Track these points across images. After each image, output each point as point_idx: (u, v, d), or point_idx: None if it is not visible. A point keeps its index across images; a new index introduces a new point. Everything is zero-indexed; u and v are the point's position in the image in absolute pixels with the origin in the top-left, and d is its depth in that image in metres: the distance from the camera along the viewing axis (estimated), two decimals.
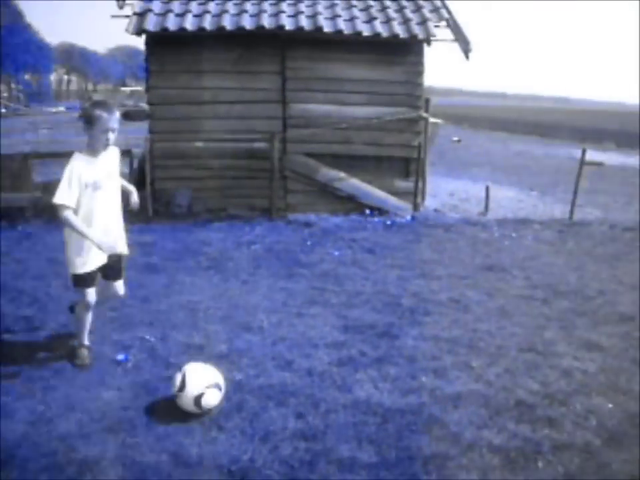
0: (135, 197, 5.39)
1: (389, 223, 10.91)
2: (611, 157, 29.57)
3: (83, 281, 4.99)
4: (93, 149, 4.86)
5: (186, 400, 4.30)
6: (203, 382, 4.34)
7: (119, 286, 5.33)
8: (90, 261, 4.95)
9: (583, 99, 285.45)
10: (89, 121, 4.76)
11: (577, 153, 13.19)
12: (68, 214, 4.72)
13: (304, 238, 9.73)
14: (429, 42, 11.29)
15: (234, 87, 11.11)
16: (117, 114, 4.85)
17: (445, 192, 15.17)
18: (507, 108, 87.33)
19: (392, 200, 11.56)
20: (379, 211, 11.40)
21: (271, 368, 5.14)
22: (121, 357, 5.24)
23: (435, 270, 8.24)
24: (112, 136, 4.85)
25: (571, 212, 12.71)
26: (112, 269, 5.17)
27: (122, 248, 5.19)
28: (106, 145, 4.85)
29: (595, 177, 17.72)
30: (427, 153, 12.27)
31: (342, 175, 11.36)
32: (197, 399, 4.26)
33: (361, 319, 6.36)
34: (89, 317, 5.21)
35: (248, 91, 11.14)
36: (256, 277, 7.67)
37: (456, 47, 11.46)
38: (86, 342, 5.24)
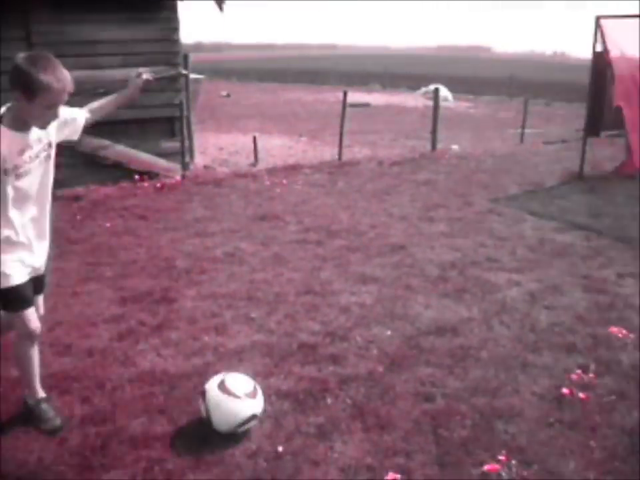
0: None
1: (159, 185, 10.60)
2: (377, 98, 30.79)
3: (14, 299, 3.61)
4: (22, 122, 3.38)
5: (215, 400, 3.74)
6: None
7: (40, 302, 4.00)
8: (21, 268, 3.60)
9: (349, 44, 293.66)
10: (28, 90, 3.22)
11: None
12: None
13: (73, 213, 9.25)
14: None
15: None
16: (69, 77, 3.33)
17: (214, 147, 15.09)
18: (276, 58, 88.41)
19: (160, 162, 11.24)
20: (148, 175, 11.02)
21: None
22: None
23: (208, 227, 8.14)
24: (60, 112, 3.45)
25: (340, 153, 13.05)
26: (37, 279, 3.82)
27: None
28: (48, 123, 3.47)
29: (363, 117, 18.35)
30: (192, 109, 12.08)
31: (106, 142, 10.84)
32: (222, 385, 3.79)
33: (137, 288, 6.16)
34: (36, 355, 3.87)
35: None
36: None
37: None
38: (42, 393, 3.99)
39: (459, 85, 41.43)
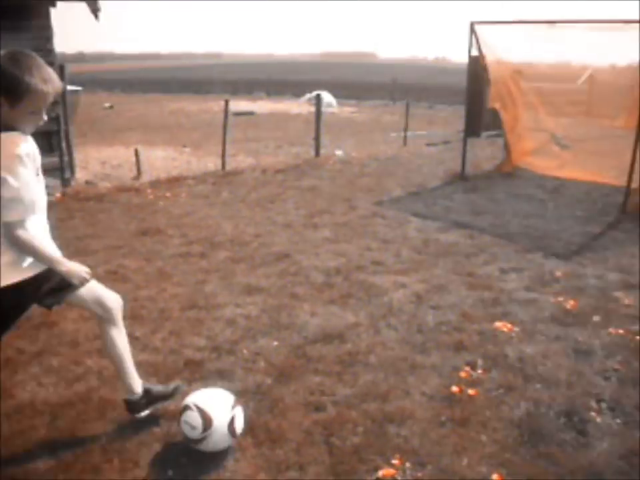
0: None
1: None
2: (261, 106, 30.83)
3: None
4: (15, 127, 3.04)
5: (219, 435, 3.57)
6: (225, 405, 3.67)
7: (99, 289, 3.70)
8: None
9: (234, 52, 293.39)
10: (11, 94, 2.91)
11: (230, 106, 13.40)
12: (27, 234, 3.16)
13: None
14: (54, 3, 10.66)
15: None
16: (55, 77, 3.03)
17: (96, 161, 14.65)
18: (161, 68, 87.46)
19: None
20: None
21: None
22: None
23: (90, 245, 7.84)
24: (45, 116, 3.12)
25: (223, 163, 12.96)
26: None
27: None
28: (33, 129, 3.13)
29: (248, 125, 18.31)
30: (71, 123, 11.70)
31: None
32: (231, 426, 3.61)
33: None
34: (126, 341, 3.87)
35: None
36: None
37: (85, 7, 10.98)
38: (141, 385, 3.93)
39: (343, 91, 42.06)
